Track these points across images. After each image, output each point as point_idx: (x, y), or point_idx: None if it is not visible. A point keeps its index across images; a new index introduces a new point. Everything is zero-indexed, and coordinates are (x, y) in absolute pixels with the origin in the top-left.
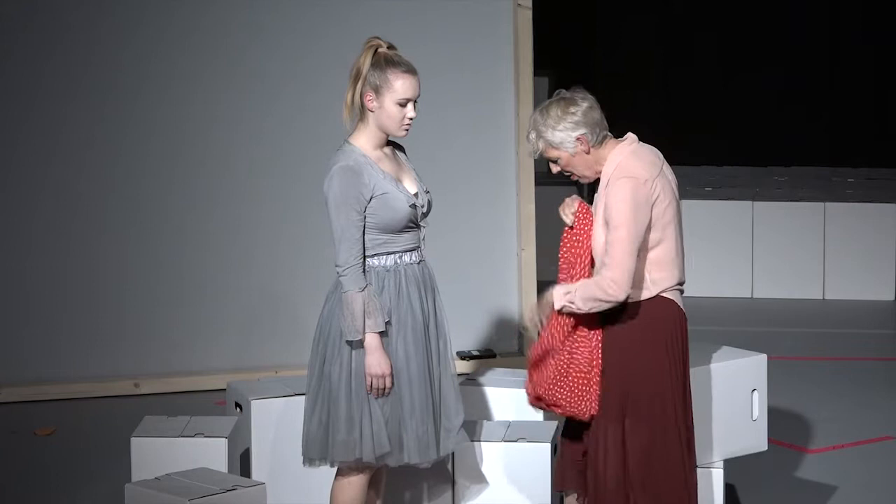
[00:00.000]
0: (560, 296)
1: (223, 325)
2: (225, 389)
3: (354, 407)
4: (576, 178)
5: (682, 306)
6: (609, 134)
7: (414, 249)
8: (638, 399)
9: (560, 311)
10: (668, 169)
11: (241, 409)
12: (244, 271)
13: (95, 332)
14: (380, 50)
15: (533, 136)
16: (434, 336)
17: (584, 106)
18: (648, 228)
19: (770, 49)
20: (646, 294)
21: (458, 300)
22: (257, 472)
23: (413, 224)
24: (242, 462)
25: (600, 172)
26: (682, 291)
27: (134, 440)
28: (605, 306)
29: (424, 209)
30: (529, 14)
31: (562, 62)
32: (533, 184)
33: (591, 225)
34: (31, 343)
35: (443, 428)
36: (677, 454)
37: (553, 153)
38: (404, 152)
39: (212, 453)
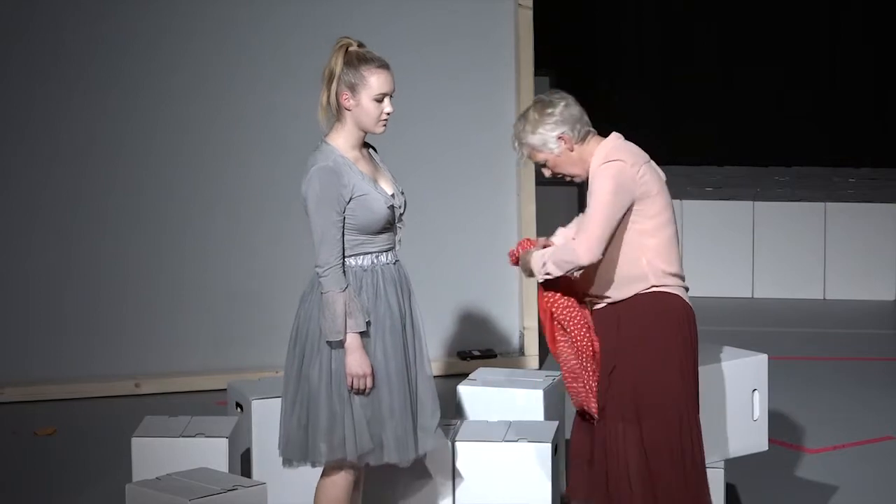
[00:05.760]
0: (539, 268)
1: (223, 325)
2: (225, 389)
3: (336, 407)
4: (569, 179)
5: (687, 301)
6: (593, 131)
7: (390, 250)
8: (649, 397)
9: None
10: (654, 165)
11: (241, 408)
12: (245, 271)
13: (95, 332)
14: (350, 49)
15: (516, 144)
16: (410, 336)
17: (560, 105)
18: (641, 214)
19: (770, 49)
20: (644, 285)
21: (458, 300)
22: (258, 472)
23: (389, 225)
24: (243, 462)
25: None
26: (686, 288)
27: (135, 440)
28: (577, 269)
29: (401, 210)
30: (530, 14)
31: (562, 62)
32: (533, 184)
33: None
34: (32, 343)
35: (419, 428)
36: (689, 451)
37: (539, 156)
38: (377, 153)
39: (212, 453)
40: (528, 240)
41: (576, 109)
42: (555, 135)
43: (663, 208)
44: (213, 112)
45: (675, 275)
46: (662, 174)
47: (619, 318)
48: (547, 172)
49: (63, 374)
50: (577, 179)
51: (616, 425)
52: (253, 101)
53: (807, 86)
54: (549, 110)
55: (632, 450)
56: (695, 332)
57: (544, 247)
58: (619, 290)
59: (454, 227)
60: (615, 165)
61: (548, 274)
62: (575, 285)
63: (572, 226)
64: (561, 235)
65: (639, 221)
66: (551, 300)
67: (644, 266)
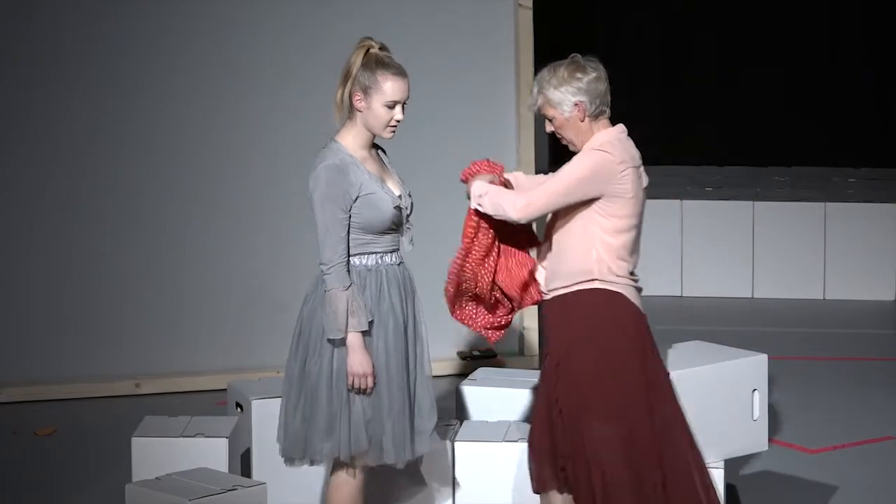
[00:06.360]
0: (475, 196)
1: (223, 325)
2: (225, 389)
3: (335, 406)
4: (565, 143)
5: (633, 300)
6: (608, 114)
7: (394, 251)
8: (591, 398)
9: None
10: (642, 172)
11: (241, 409)
12: (245, 271)
13: (96, 332)
14: (371, 51)
15: (535, 90)
16: (412, 338)
17: (591, 75)
18: (605, 211)
19: (770, 49)
20: (586, 278)
21: None
22: (258, 472)
23: (395, 226)
24: (243, 462)
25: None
26: (638, 290)
27: (135, 440)
28: (504, 218)
29: (408, 212)
30: (530, 14)
31: None
32: None
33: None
34: (32, 343)
35: (416, 430)
36: (648, 450)
37: (549, 111)
38: (386, 154)
39: (212, 453)
40: (487, 163)
41: (602, 85)
42: (574, 100)
43: (632, 214)
44: (213, 112)
45: (623, 276)
46: (646, 181)
47: (564, 313)
48: (549, 128)
49: (63, 374)
50: (571, 147)
51: (569, 421)
52: (253, 101)
53: (807, 86)
54: (579, 75)
55: (588, 446)
56: (645, 335)
57: (503, 182)
58: (563, 278)
59: (455, 227)
60: (601, 155)
61: (480, 206)
62: (521, 242)
63: (535, 177)
64: (513, 178)
65: (601, 216)
66: (479, 228)
67: (592, 260)
